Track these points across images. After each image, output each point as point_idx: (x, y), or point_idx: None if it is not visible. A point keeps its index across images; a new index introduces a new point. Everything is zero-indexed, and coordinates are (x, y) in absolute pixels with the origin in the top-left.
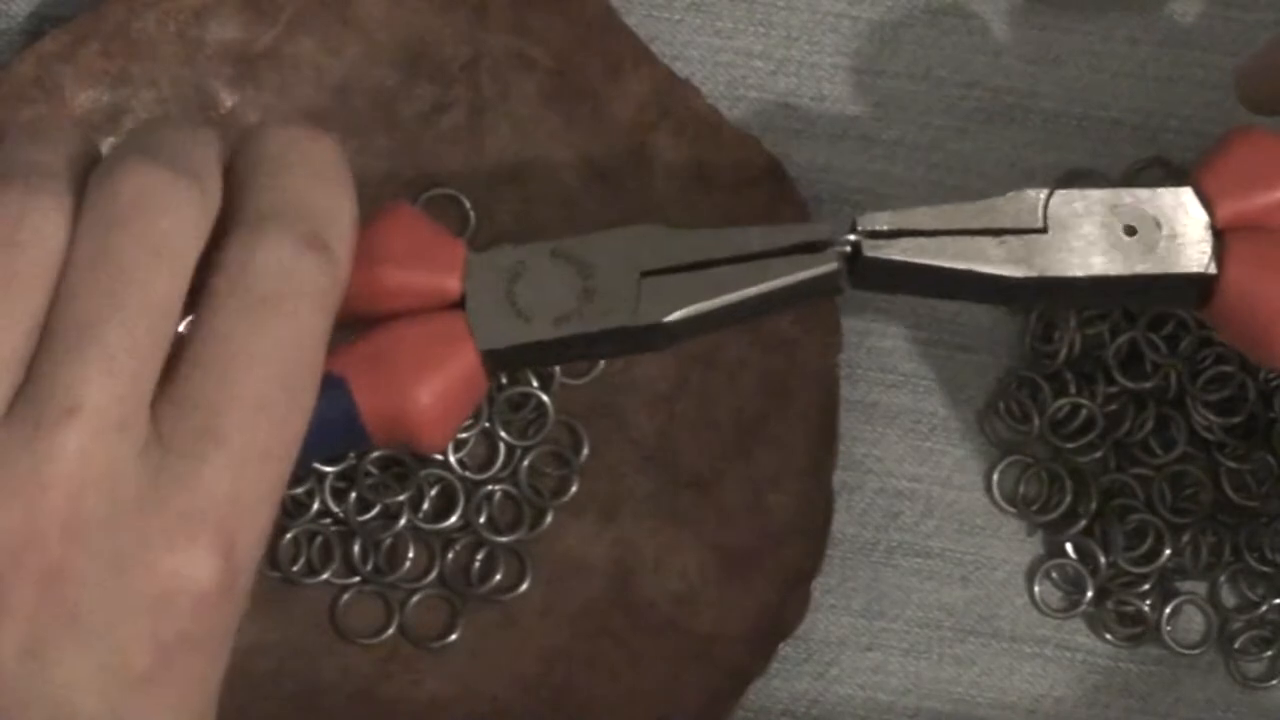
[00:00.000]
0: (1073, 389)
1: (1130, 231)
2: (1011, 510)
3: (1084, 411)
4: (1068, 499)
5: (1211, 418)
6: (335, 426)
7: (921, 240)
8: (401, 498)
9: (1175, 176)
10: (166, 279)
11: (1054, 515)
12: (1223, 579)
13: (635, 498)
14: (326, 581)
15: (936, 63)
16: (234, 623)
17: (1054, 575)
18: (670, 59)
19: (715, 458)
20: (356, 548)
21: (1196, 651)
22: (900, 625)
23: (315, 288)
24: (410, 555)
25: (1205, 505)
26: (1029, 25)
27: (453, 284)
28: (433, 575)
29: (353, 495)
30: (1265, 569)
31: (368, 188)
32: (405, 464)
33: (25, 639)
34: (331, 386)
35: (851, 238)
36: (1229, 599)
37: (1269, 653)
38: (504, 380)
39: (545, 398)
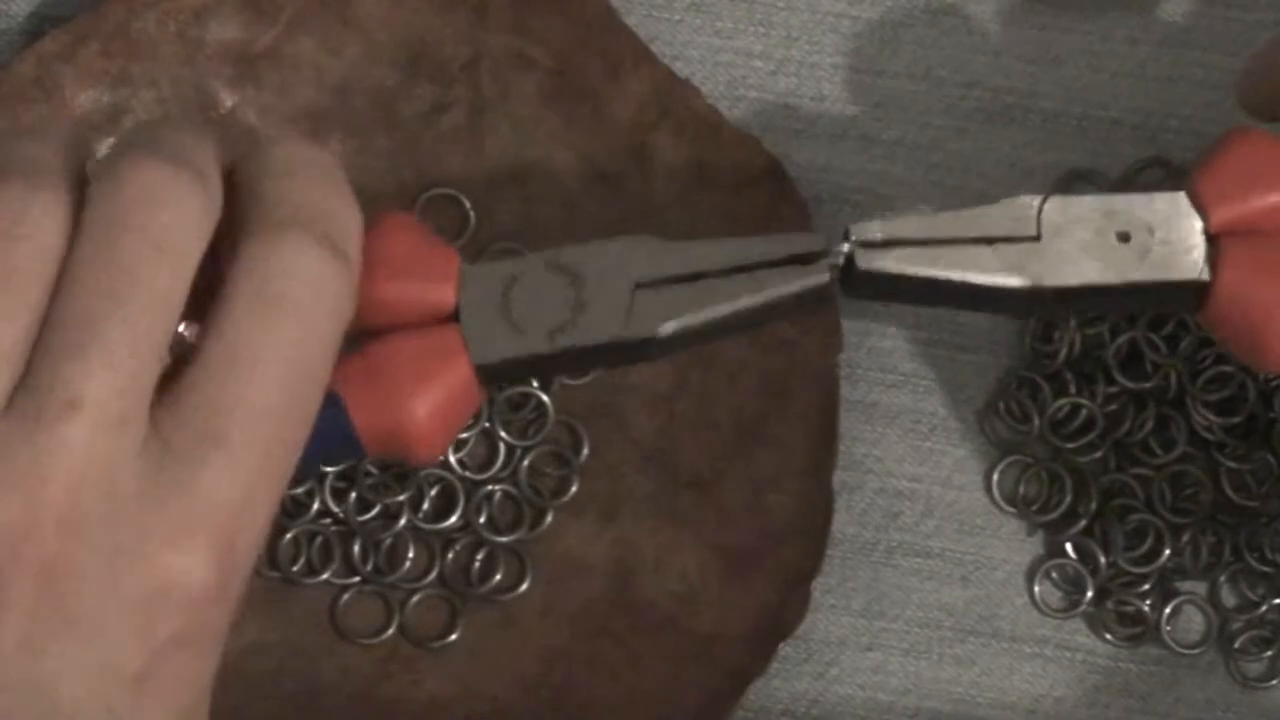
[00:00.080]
0: (1073, 389)
1: (1124, 238)
2: (1011, 510)
3: (1084, 411)
4: (1068, 499)
5: (1211, 418)
6: (330, 441)
7: (915, 250)
8: (401, 498)
9: (1175, 176)
10: (169, 275)
11: (1054, 515)
12: (1223, 579)
13: (635, 498)
14: (326, 581)
15: (936, 63)
16: (227, 623)
17: (1054, 575)
18: (670, 59)
19: (715, 458)
20: (356, 548)
21: (1196, 651)
22: (900, 625)
23: (332, 292)
24: (410, 555)
25: (1205, 505)
26: (1029, 25)
27: (447, 296)
28: (433, 575)
29: (353, 495)
30: (1265, 569)
31: (368, 188)
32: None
33: (22, 633)
34: (327, 401)
35: (844, 248)
36: (1229, 599)
37: (1269, 653)
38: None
39: (545, 398)
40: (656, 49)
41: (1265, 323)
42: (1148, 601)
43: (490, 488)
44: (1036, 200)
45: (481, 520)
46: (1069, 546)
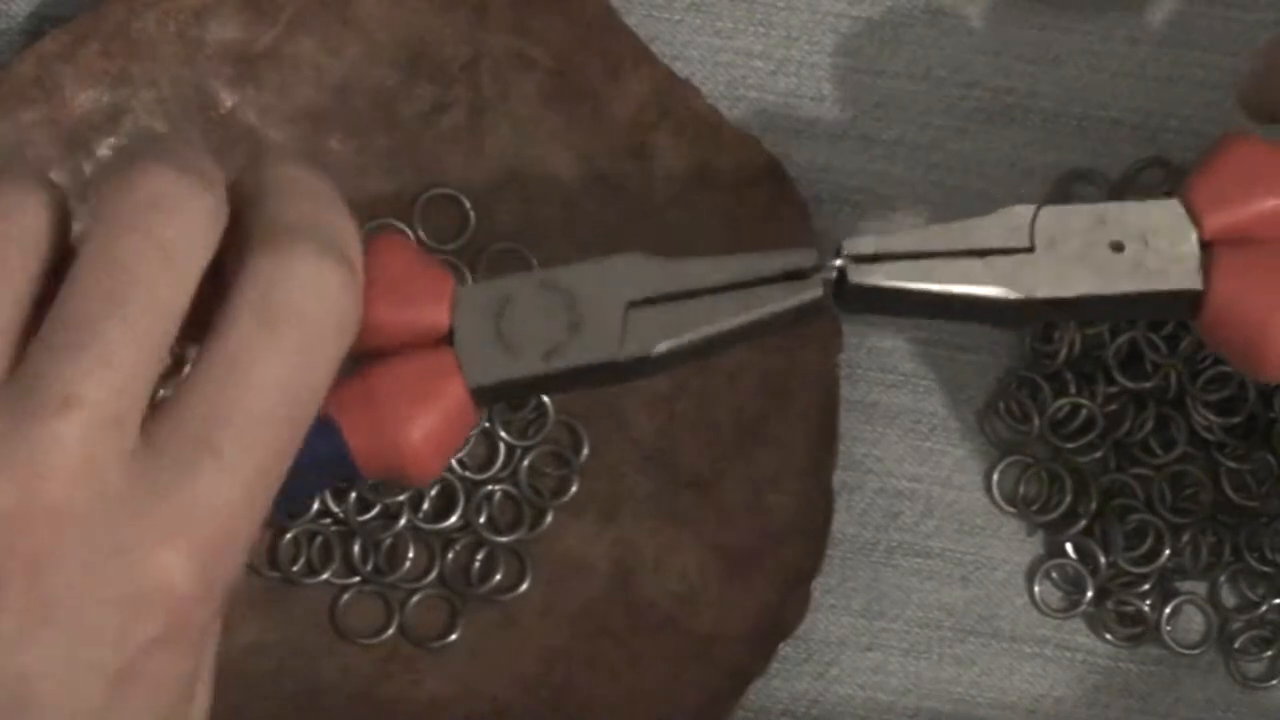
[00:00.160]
0: (1073, 389)
1: (1118, 247)
2: (1011, 510)
3: (1084, 411)
4: (1068, 499)
5: (1211, 418)
6: (326, 465)
7: (907, 264)
8: (401, 498)
9: (1175, 177)
10: (172, 282)
11: (1054, 515)
12: (1223, 579)
13: (635, 498)
14: (326, 581)
15: (936, 63)
16: (213, 627)
17: (1054, 575)
18: (670, 59)
19: (715, 458)
20: (356, 548)
21: (1196, 651)
22: (900, 625)
23: (339, 306)
24: (410, 555)
25: (1205, 505)
26: (1029, 25)
27: (441, 318)
28: (433, 575)
29: (353, 495)
30: (1265, 569)
31: (367, 188)
32: None
33: (10, 627)
34: (323, 426)
35: (837, 263)
36: (1229, 599)
37: (1269, 653)
38: None
39: (545, 398)
40: (656, 49)
41: (1259, 331)
42: (1148, 601)
43: (490, 488)
44: (1030, 210)
45: (481, 520)
46: (1069, 546)
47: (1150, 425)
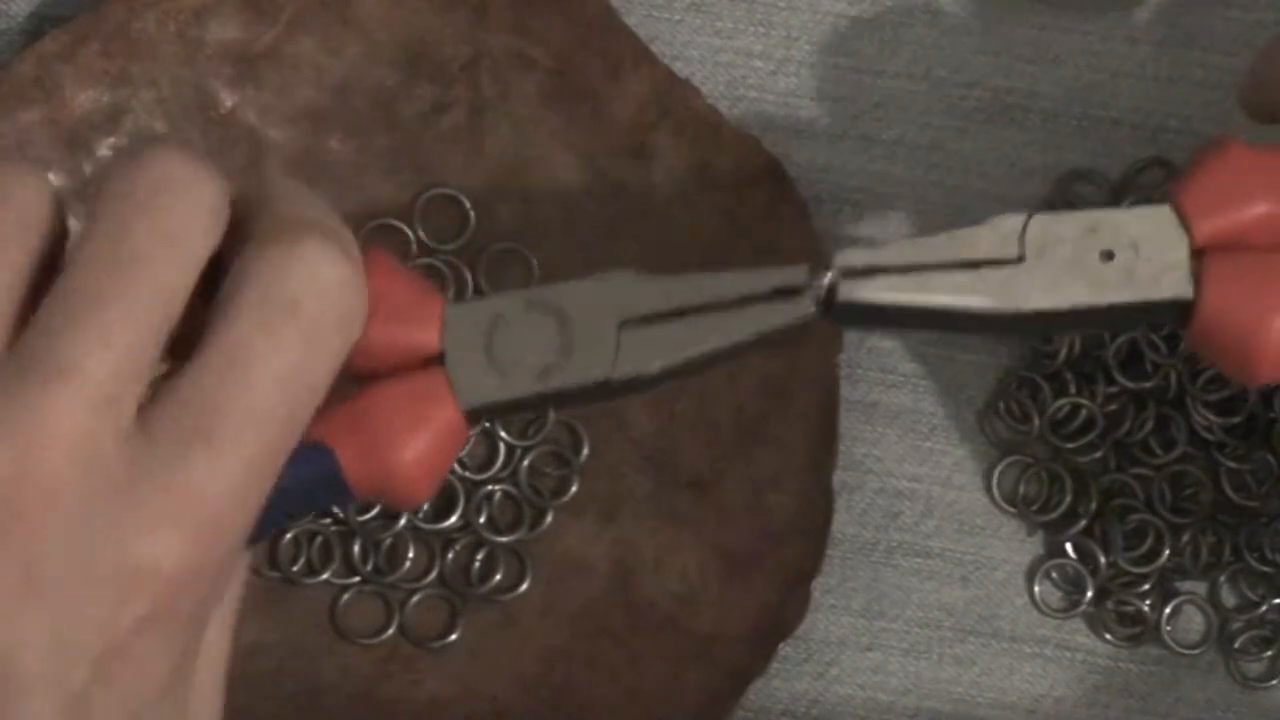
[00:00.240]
0: (1073, 389)
1: (1108, 256)
2: (1011, 510)
3: (1084, 411)
4: (1068, 499)
5: (1211, 418)
6: (319, 487)
7: (898, 277)
8: None
9: (1175, 177)
10: (175, 267)
11: (1054, 515)
12: (1223, 579)
13: (635, 498)
14: (326, 581)
15: (936, 63)
16: (203, 614)
17: (1054, 575)
18: (670, 59)
19: (715, 458)
20: (356, 548)
21: (1196, 651)
22: (900, 625)
23: (345, 303)
24: (410, 555)
25: (1205, 505)
26: (1029, 25)
27: (431, 339)
28: (433, 575)
29: None
30: (1265, 569)
31: (367, 188)
32: None
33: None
34: (315, 451)
35: (828, 279)
36: (1229, 599)
37: (1269, 653)
38: None
39: None
40: (656, 49)
41: (1250, 338)
42: (1148, 601)
43: (490, 488)
44: (1020, 219)
45: (481, 520)
46: (1069, 546)
47: (1150, 425)
